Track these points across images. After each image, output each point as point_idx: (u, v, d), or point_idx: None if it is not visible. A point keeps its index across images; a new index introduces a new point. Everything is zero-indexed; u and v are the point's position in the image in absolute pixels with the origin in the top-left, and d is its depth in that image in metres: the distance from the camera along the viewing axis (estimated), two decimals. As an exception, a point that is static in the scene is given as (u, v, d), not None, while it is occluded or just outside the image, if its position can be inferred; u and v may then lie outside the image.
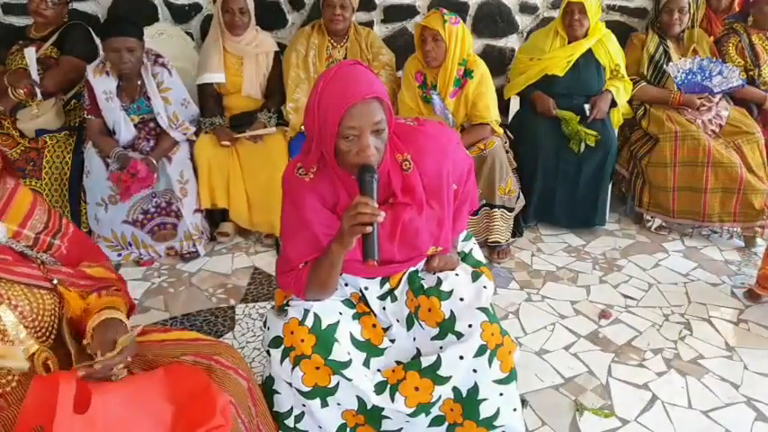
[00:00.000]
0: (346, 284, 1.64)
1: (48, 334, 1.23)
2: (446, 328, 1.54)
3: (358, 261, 1.38)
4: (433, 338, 1.56)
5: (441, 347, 1.53)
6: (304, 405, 1.52)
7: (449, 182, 1.53)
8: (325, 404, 1.51)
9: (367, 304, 1.63)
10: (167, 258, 2.95)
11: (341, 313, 1.56)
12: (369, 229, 1.26)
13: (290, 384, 1.50)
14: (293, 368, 1.46)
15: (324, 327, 1.50)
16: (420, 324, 1.58)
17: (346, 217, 1.30)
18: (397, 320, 1.62)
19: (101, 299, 1.33)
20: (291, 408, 1.55)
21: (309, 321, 1.49)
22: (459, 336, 1.52)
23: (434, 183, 1.49)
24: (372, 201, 1.28)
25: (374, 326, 1.60)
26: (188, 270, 2.87)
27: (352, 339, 1.55)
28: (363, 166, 1.31)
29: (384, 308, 1.62)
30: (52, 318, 1.24)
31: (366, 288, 1.62)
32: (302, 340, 1.47)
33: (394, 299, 1.63)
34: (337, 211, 1.46)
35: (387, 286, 1.63)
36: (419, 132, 1.51)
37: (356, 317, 1.60)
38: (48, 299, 1.25)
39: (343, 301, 1.60)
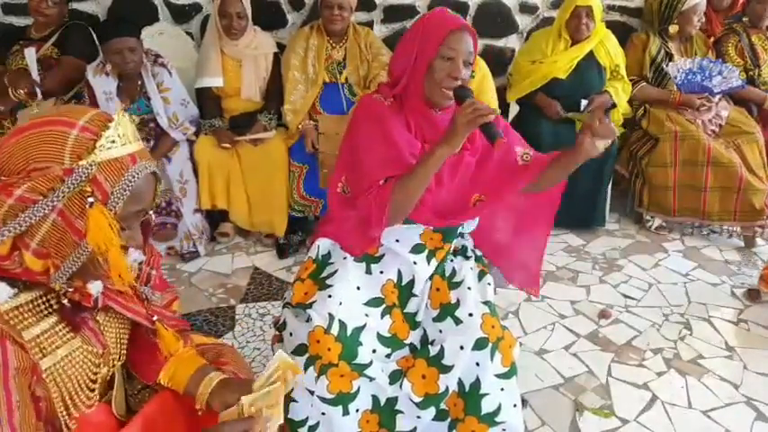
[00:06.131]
0: (381, 272, 1.61)
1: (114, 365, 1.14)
2: (447, 311, 1.56)
3: (430, 211, 1.57)
4: (433, 319, 1.57)
5: (440, 331, 1.54)
6: (323, 414, 1.50)
7: None
8: (346, 412, 1.50)
9: (404, 288, 1.61)
10: (167, 258, 2.94)
11: (367, 315, 1.55)
12: (491, 117, 1.39)
13: (312, 393, 1.48)
14: (318, 377, 1.46)
15: (349, 333, 1.49)
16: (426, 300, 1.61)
17: (461, 115, 1.40)
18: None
19: (188, 352, 1.22)
20: (307, 417, 1.52)
21: (335, 329, 1.48)
22: (457, 322, 1.53)
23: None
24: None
25: (402, 320, 1.60)
26: (188, 270, 2.87)
27: (379, 336, 1.55)
28: (458, 87, 1.49)
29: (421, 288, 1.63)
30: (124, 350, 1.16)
31: (415, 263, 1.61)
32: (329, 349, 1.46)
33: (432, 277, 1.64)
34: None
35: (434, 262, 1.63)
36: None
37: (386, 312, 1.58)
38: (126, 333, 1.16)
39: (367, 303, 1.58)
